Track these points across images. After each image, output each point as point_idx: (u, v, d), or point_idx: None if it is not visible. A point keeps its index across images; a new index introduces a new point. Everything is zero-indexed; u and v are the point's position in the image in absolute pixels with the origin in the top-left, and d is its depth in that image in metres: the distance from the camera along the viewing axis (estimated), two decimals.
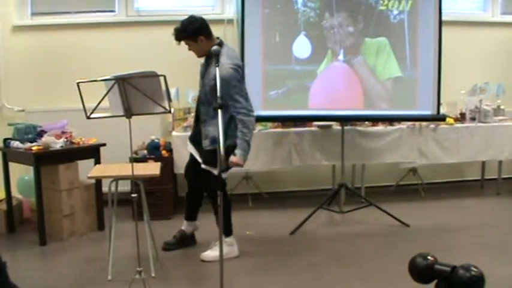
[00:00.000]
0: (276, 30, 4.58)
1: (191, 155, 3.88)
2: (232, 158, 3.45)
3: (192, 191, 3.99)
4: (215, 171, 3.48)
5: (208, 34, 3.61)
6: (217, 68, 2.94)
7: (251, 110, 3.59)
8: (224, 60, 3.49)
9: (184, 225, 4.03)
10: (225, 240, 3.68)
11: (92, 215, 4.54)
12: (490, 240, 4.08)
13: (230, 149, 3.48)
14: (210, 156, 3.52)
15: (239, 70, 3.58)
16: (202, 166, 3.65)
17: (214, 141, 3.49)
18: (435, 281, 2.67)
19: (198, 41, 3.57)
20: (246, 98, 3.60)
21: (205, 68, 3.69)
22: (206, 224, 4.01)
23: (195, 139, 3.80)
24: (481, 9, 6.11)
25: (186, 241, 4.01)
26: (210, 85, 3.55)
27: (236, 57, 3.67)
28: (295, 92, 4.59)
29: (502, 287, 3.16)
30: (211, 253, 3.71)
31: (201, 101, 3.74)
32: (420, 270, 2.69)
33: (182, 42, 3.63)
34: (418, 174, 5.62)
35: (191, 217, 4.02)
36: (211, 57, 3.54)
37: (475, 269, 2.52)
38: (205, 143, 3.64)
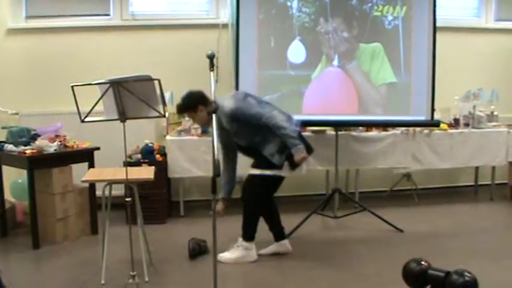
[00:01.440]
0: (270, 35, 4.59)
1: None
2: (295, 158, 3.68)
3: (265, 209, 3.98)
4: (266, 172, 3.75)
5: (206, 103, 3.79)
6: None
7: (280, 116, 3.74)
8: (225, 104, 3.70)
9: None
10: (243, 244, 3.79)
11: (86, 219, 4.52)
12: (483, 246, 4.10)
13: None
14: (261, 162, 3.76)
15: (240, 102, 3.74)
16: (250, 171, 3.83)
17: (273, 154, 3.72)
18: (429, 286, 2.67)
19: (198, 111, 3.80)
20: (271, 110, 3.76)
21: (219, 123, 3.75)
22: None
23: None
24: (475, 16, 6.15)
25: None
26: (233, 129, 3.75)
27: (231, 99, 3.78)
28: (290, 97, 4.60)
29: None
30: (228, 255, 3.78)
31: (239, 148, 3.90)
32: (414, 275, 2.70)
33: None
34: (412, 180, 5.64)
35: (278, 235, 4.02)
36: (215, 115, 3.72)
37: (468, 275, 2.54)
38: (275, 159, 3.73)
